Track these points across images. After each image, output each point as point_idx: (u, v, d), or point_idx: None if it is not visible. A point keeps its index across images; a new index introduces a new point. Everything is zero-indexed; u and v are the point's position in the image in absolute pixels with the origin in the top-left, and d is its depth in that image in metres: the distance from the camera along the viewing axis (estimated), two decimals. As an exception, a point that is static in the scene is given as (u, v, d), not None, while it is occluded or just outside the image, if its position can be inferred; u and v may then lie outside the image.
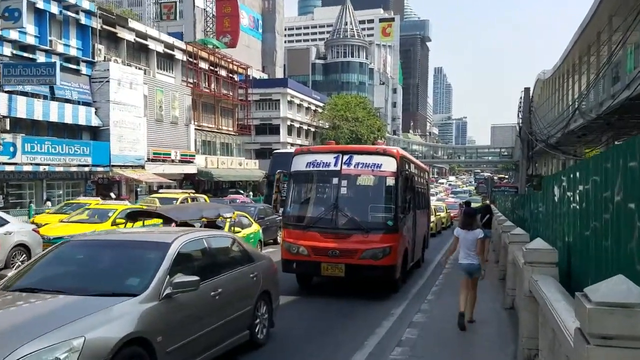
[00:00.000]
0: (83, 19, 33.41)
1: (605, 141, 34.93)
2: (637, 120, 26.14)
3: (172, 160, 40.72)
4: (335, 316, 8.47)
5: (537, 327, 4.70)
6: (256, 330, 6.11)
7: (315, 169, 10.19)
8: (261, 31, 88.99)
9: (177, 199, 18.04)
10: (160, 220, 9.19)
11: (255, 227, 14.14)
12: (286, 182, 10.34)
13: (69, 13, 32.36)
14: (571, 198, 4.86)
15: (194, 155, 43.47)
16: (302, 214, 10.31)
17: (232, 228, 12.10)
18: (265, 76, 72.80)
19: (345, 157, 9.99)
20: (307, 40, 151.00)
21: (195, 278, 4.50)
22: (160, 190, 25.82)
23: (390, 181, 9.88)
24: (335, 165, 9.98)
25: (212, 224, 9.98)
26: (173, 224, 8.65)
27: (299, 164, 10.41)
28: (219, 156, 49.49)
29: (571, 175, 4.89)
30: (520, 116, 23.53)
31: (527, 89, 23.37)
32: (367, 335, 7.25)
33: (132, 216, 8.70)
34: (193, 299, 4.65)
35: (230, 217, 9.73)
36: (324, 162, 10.08)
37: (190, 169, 42.95)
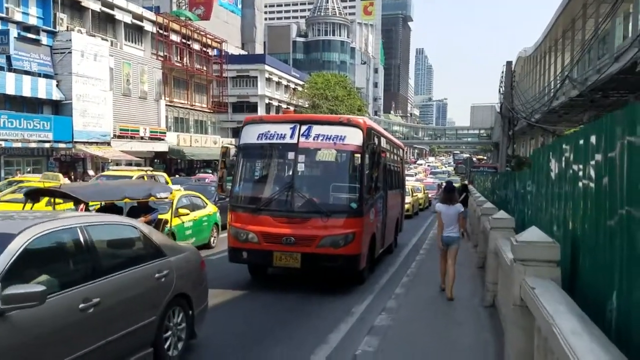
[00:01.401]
0: (43, -15, 31.20)
1: (587, 120, 34.17)
2: (620, 96, 25.20)
3: (142, 137, 38.96)
4: (283, 317, 7.16)
5: (532, 352, 3.44)
6: (166, 345, 4.72)
7: (268, 141, 8.74)
8: (240, 7, 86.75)
9: (129, 177, 16.50)
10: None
11: (211, 209, 12.74)
12: (235, 157, 8.94)
13: (27, -22, 30.14)
14: (580, 173, 3.60)
15: (164, 133, 41.66)
16: (252, 195, 8.95)
17: (177, 211, 10.73)
18: (245, 53, 70.70)
19: (304, 128, 8.58)
20: (289, 18, 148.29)
21: (39, 288, 3.15)
22: (111, 167, 24.17)
23: (355, 156, 8.54)
24: (291, 137, 8.57)
25: (145, 206, 8.57)
26: (82, 206, 7.25)
27: (249, 135, 8.93)
28: (192, 134, 47.70)
29: (580, 142, 3.61)
30: (501, 91, 22.34)
31: (509, 62, 22.20)
32: (315, 345, 5.91)
33: (32, 195, 7.14)
34: (46, 316, 3.33)
35: (167, 198, 8.31)
36: (278, 134, 8.67)
37: (161, 147, 41.17)
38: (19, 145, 28.71)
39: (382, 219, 10.60)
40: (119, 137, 36.68)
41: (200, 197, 12.66)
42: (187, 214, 11.25)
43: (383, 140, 10.80)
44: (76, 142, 32.38)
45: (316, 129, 8.57)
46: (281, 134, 8.63)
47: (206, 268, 5.92)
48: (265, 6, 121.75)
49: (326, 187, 8.66)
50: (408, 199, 22.87)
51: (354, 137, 8.54)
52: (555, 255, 3.60)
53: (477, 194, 18.47)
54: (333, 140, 8.48)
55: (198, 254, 5.77)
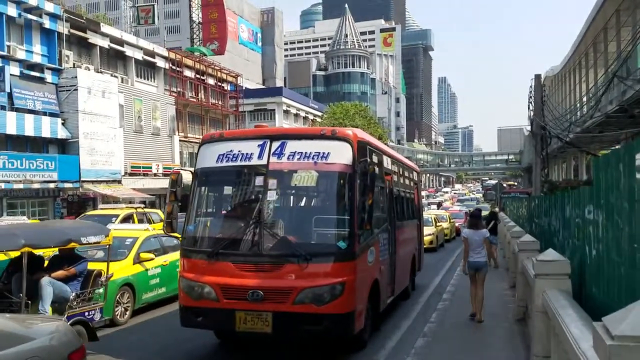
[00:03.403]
0: (47, 23, 30.57)
1: (624, 138, 31.50)
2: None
3: (154, 174, 37.71)
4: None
5: None
6: None
7: (231, 163, 6.76)
8: (260, 44, 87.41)
9: (116, 216, 14.77)
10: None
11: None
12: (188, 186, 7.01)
13: (31, 16, 29.52)
14: None
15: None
16: (209, 235, 6.97)
17: (139, 256, 8.79)
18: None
19: (275, 145, 6.60)
20: (309, 54, 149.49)
21: None
22: (100, 206, 22.58)
23: (344, 179, 6.52)
24: (259, 157, 6.60)
25: (69, 255, 6.68)
26: None
27: (207, 157, 7.00)
28: (208, 169, 46.26)
29: None
30: (531, 108, 20.16)
31: (537, 76, 20.05)
32: None
33: None
34: None
35: (97, 243, 6.44)
36: (243, 154, 6.67)
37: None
38: (20, 186, 27.55)
39: (390, 258, 8.46)
40: (131, 174, 35.55)
41: (178, 237, 10.74)
42: (151, 259, 9.31)
43: (386, 159, 8.68)
44: (84, 181, 31.19)
45: (292, 146, 6.59)
46: (247, 154, 6.65)
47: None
48: (286, 43, 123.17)
49: (305, 222, 6.64)
50: (431, 230, 20.66)
51: (341, 154, 6.50)
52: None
53: (507, 219, 18.01)
54: (313, 158, 6.46)
55: (71, 333, 3.75)
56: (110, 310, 8.20)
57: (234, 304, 6.22)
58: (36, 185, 28.62)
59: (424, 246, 19.45)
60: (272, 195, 6.48)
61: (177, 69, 42.13)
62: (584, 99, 25.04)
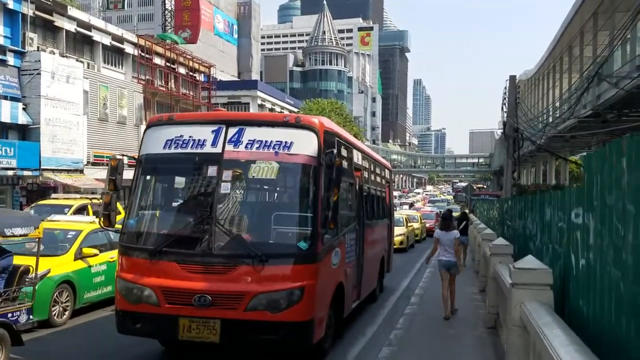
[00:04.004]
0: (11, 3, 29.12)
1: (597, 145, 31.69)
2: (635, 116, 22.77)
3: (119, 165, 36.39)
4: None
5: None
6: None
7: (180, 150, 6.02)
8: (237, 36, 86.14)
9: (70, 207, 13.84)
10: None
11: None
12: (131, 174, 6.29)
13: (-7, -5, 28.07)
14: None
15: (145, 160, 39.08)
16: (152, 230, 6.24)
17: (81, 251, 7.99)
18: (240, 82, 69.37)
19: (232, 132, 5.91)
20: (287, 49, 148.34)
21: None
22: (53, 195, 21.49)
23: (307, 172, 5.88)
24: (213, 144, 5.90)
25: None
26: None
27: (153, 143, 6.25)
28: (177, 161, 45.08)
29: None
30: (504, 109, 19.88)
31: (512, 77, 19.79)
32: None
33: None
34: None
35: (24, 235, 5.70)
36: (195, 140, 5.95)
37: (140, 175, 38.57)
38: (-25, 173, 26.14)
39: (357, 260, 7.87)
40: (94, 164, 34.20)
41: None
42: (95, 255, 8.52)
43: (356, 153, 8.05)
44: (44, 169, 29.83)
45: (250, 133, 5.90)
46: (199, 141, 5.92)
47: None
48: (263, 37, 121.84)
49: (262, 219, 5.98)
50: (401, 230, 20.22)
51: (306, 144, 5.86)
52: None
53: (477, 221, 17.91)
54: (274, 148, 5.81)
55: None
56: (45, 310, 7.41)
57: (177, 310, 5.52)
58: (-8, 172, 27.22)
59: (395, 247, 19.07)
60: (225, 188, 5.77)
61: (147, 56, 40.84)
62: (558, 102, 24.95)
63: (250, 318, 5.41)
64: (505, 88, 19.94)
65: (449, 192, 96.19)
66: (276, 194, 6.44)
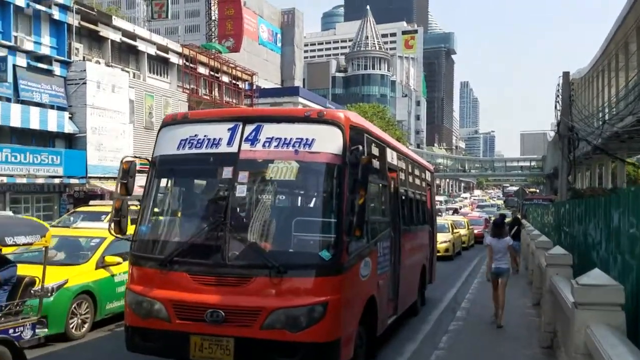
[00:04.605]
0: (57, 14, 29.85)
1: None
2: None
3: (164, 172, 36.77)
4: None
5: None
6: None
7: (194, 150, 5.50)
8: (280, 45, 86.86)
9: (107, 213, 13.67)
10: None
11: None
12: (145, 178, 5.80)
13: (39, 7, 28.81)
14: None
15: (188, 166, 39.40)
16: (164, 238, 5.69)
17: (104, 259, 7.59)
18: (282, 89, 69.72)
19: (249, 129, 5.33)
20: (329, 56, 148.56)
21: None
22: (91, 202, 21.56)
23: (331, 172, 5.21)
24: (229, 143, 5.34)
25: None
26: None
27: (167, 143, 5.75)
28: (221, 167, 45.35)
29: None
30: (558, 108, 18.60)
31: (566, 73, 18.50)
32: None
33: None
34: None
35: (29, 244, 5.28)
36: (209, 140, 5.41)
37: (184, 181, 38.90)
38: (23, 180, 26.76)
39: (392, 270, 7.14)
40: (139, 171, 34.47)
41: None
42: (119, 263, 8.12)
43: (390, 152, 7.27)
44: (90, 177, 30.36)
45: (269, 130, 5.30)
46: (214, 140, 5.37)
47: None
48: (306, 45, 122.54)
49: (281, 225, 5.29)
50: (447, 237, 19.24)
51: (330, 141, 5.19)
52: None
53: (530, 227, 17.23)
54: (294, 146, 5.15)
55: None
56: (61, 323, 7.04)
57: (188, 326, 4.96)
58: (40, 180, 27.83)
59: (439, 254, 18.10)
60: (241, 191, 5.20)
61: (191, 65, 41.31)
62: (615, 99, 23.35)
63: (267, 337, 4.77)
64: (559, 85, 18.68)
65: (498, 196, 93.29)
66: (296, 197, 5.81)
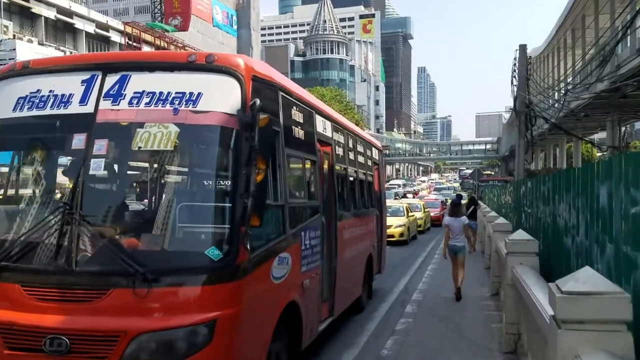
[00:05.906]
0: (-19, -12, 27.35)
1: (612, 123, 29.53)
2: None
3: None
4: None
5: None
6: None
7: (34, 112, 3.95)
8: (236, 27, 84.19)
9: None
10: None
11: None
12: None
13: (-40, -21, 26.28)
14: None
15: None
16: None
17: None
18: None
19: (111, 81, 3.85)
20: (288, 40, 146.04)
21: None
22: None
23: (224, 139, 3.78)
24: (82, 101, 3.84)
25: None
26: None
27: (2, 103, 4.13)
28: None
29: None
30: (514, 83, 17.74)
31: (522, 46, 17.60)
32: None
33: None
34: None
35: None
36: (56, 96, 3.90)
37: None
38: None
39: (326, 265, 5.90)
40: None
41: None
42: None
43: (321, 120, 5.91)
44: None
45: (139, 81, 3.85)
46: (63, 97, 3.90)
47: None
48: (263, 28, 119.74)
49: (153, 214, 3.79)
50: (402, 220, 18.25)
51: (222, 96, 3.79)
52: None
53: (487, 208, 17.14)
54: (173, 103, 3.73)
55: None
56: None
57: (20, 358, 3.54)
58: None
59: (394, 239, 17.08)
60: (98, 167, 3.75)
61: (135, 44, 38.99)
62: (574, 70, 22.76)
63: None
64: (515, 59, 17.80)
65: (455, 179, 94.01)
66: (175, 175, 4.33)
